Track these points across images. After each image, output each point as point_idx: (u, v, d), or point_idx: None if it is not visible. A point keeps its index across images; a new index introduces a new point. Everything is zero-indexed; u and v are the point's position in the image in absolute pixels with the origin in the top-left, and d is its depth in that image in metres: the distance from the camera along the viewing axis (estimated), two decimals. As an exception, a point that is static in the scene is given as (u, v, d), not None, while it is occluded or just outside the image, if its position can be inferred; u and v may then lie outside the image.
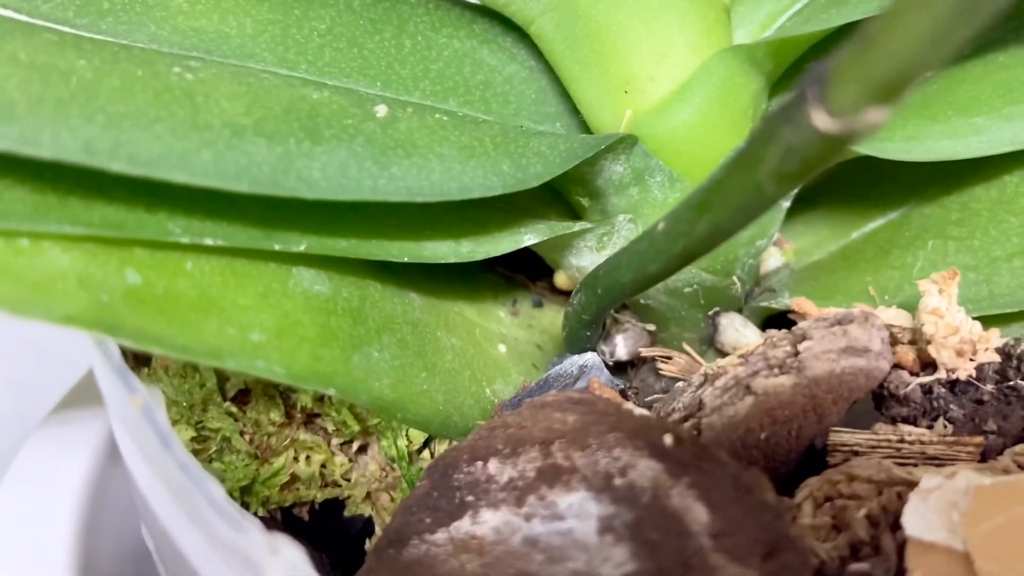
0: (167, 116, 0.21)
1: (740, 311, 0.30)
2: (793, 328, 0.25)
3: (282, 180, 0.21)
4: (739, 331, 0.30)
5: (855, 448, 0.25)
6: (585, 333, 0.28)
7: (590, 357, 0.27)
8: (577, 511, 0.21)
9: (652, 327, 0.30)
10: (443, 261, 0.26)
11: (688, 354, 0.30)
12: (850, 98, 0.16)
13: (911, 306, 0.29)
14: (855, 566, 0.22)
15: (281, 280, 0.24)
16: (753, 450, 0.24)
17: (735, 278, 0.29)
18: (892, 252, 0.30)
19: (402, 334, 0.26)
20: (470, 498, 0.23)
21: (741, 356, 0.25)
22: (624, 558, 0.20)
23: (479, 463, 0.23)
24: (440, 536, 0.22)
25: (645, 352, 0.29)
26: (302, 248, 0.24)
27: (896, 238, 0.30)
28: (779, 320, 0.30)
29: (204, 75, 0.23)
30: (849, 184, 0.32)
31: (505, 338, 0.31)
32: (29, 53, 0.22)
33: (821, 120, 0.16)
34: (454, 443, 0.28)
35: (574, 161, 0.26)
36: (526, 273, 0.34)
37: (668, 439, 0.21)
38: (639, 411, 0.23)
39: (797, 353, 0.24)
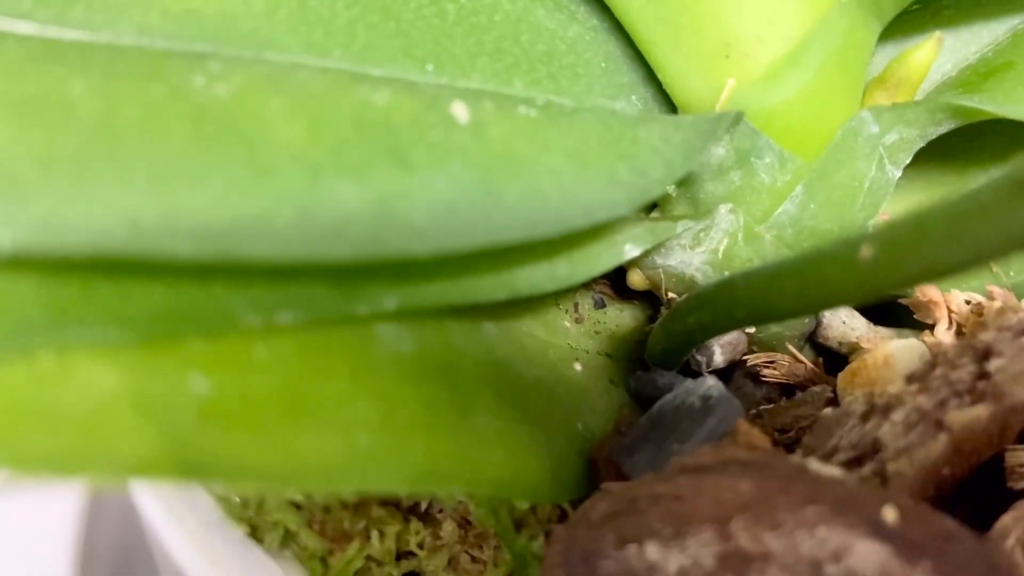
0: (220, 160, 0.15)
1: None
2: (971, 341, 0.21)
3: (386, 235, 0.16)
4: (845, 323, 0.26)
5: (1037, 469, 0.21)
6: (690, 351, 0.24)
7: (713, 385, 0.23)
8: (785, 610, 0.17)
9: (751, 329, 0.26)
10: (542, 291, 0.21)
11: (793, 355, 0.26)
12: None
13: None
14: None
15: (365, 347, 0.18)
16: (929, 488, 0.21)
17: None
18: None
19: (494, 383, 0.21)
20: (630, 594, 0.19)
21: (913, 380, 0.21)
22: None
23: (632, 547, 0.19)
24: (604, 648, 0.18)
25: (750, 360, 0.25)
26: (391, 306, 0.18)
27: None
28: (885, 306, 0.27)
29: (236, 85, 0.17)
30: (942, 138, 0.28)
31: (577, 354, 0.26)
32: (5, 81, 0.15)
33: None
34: (560, 506, 0.23)
35: (696, 156, 0.21)
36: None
37: (890, 513, 0.17)
38: (828, 471, 0.19)
39: (985, 374, 0.20)
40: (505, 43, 0.23)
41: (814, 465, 0.19)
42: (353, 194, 0.16)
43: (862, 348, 0.26)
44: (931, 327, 0.25)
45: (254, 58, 0.19)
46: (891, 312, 0.26)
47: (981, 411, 0.20)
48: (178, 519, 0.16)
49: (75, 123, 0.15)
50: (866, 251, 0.17)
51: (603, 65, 0.24)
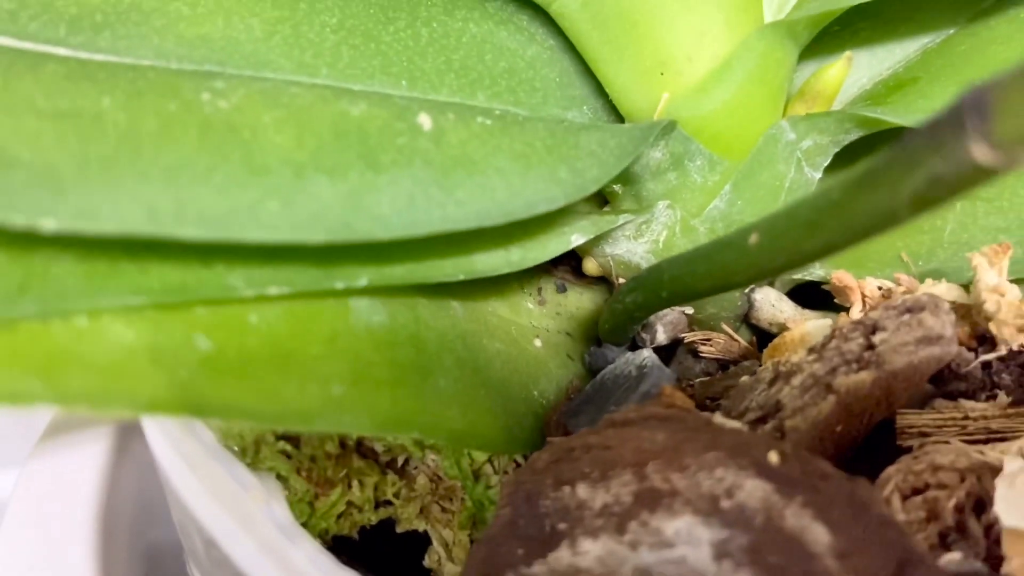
0: (222, 162, 0.19)
1: (772, 284, 0.30)
2: (862, 318, 0.25)
3: (355, 223, 0.20)
4: (775, 306, 0.30)
5: (923, 429, 0.25)
6: (634, 328, 0.28)
7: (648, 356, 0.26)
8: (686, 537, 0.21)
9: (690, 310, 0.29)
10: (496, 273, 0.25)
11: (727, 334, 0.30)
12: (1017, 132, 0.15)
13: (944, 272, 0.29)
14: (949, 556, 0.22)
15: (343, 317, 0.22)
16: (827, 443, 0.24)
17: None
18: (921, 216, 0.29)
19: (457, 351, 0.25)
20: (563, 526, 0.22)
21: (813, 351, 0.25)
22: (752, 587, 0.20)
23: (566, 488, 0.23)
24: (539, 569, 0.22)
25: (688, 338, 0.29)
26: (363, 283, 0.22)
27: (922, 201, 0.30)
28: (808, 290, 0.30)
29: (236, 100, 0.21)
30: (872, 146, 0.31)
31: (538, 331, 0.30)
32: (46, 97, 0.19)
33: (981, 153, 0.16)
34: (515, 459, 0.27)
35: (627, 159, 0.24)
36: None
37: (774, 456, 0.21)
38: (731, 424, 0.23)
39: (871, 346, 0.24)
40: (471, 61, 0.27)
41: (718, 419, 0.23)
42: (329, 188, 0.20)
43: (788, 328, 0.29)
44: (848, 310, 0.29)
45: (253, 76, 0.23)
46: (818, 297, 0.30)
47: (865, 376, 0.23)
48: (181, 451, 0.20)
49: (104, 132, 0.18)
50: (754, 238, 0.21)
51: (558, 80, 0.28)
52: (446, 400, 0.23)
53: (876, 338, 0.24)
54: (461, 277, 0.24)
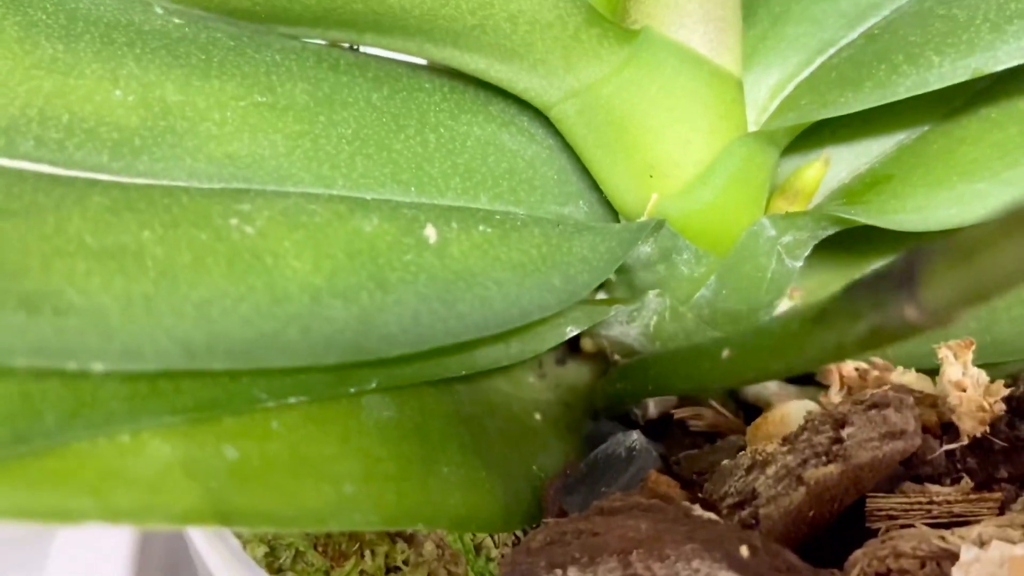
0: (247, 292, 0.21)
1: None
2: (832, 411, 0.27)
3: (364, 344, 0.22)
4: (759, 383, 0.32)
5: (890, 512, 0.27)
6: (626, 407, 0.30)
7: (636, 439, 0.28)
8: (664, 622, 0.23)
9: (680, 387, 0.31)
10: (497, 366, 0.27)
11: (715, 408, 0.32)
12: (941, 301, 0.17)
13: (918, 355, 0.31)
14: (907, 637, 0.24)
15: (355, 415, 0.24)
16: (800, 526, 0.27)
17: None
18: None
19: (460, 437, 0.27)
20: (554, 606, 0.25)
21: (785, 441, 0.27)
22: (721, 674, 0.22)
23: (558, 571, 0.25)
24: (532, 646, 0.24)
25: (677, 414, 0.31)
26: (373, 385, 0.24)
27: (898, 283, 0.32)
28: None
29: (261, 224, 0.23)
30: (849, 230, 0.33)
31: (539, 404, 0.32)
32: (94, 233, 0.21)
33: (912, 314, 0.18)
34: (515, 532, 0.29)
35: (617, 263, 0.27)
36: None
37: (744, 551, 0.23)
38: (707, 516, 0.25)
39: (840, 439, 0.26)
40: (475, 163, 0.29)
41: (696, 510, 0.25)
42: (342, 312, 0.22)
43: (772, 403, 0.32)
44: (827, 388, 0.31)
45: (276, 192, 0.25)
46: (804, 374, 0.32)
47: (833, 469, 0.25)
48: (212, 545, 0.22)
49: (145, 268, 0.21)
50: (727, 352, 0.23)
51: (556, 177, 0.30)
52: (449, 487, 0.26)
53: (844, 432, 0.26)
54: (464, 372, 0.26)
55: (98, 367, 0.19)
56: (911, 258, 0.17)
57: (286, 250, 0.23)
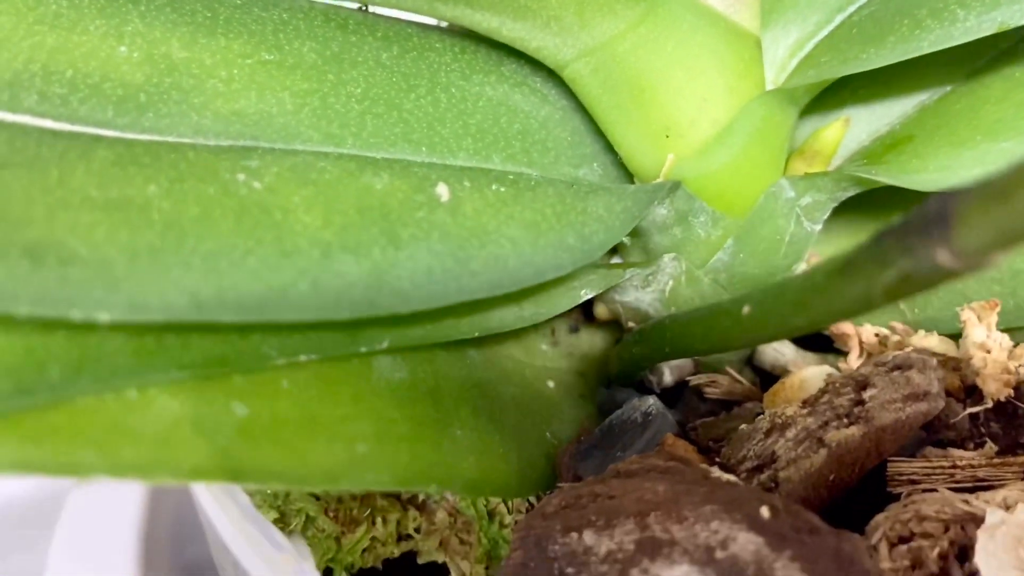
0: (256, 245, 0.21)
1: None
2: (853, 373, 0.26)
3: (377, 299, 0.21)
4: (776, 350, 0.31)
5: (912, 476, 0.26)
6: (642, 371, 0.29)
7: (652, 404, 0.28)
8: (683, 584, 0.23)
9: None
10: (510, 328, 0.26)
11: (731, 376, 0.31)
12: (976, 243, 0.17)
13: (939, 320, 0.30)
14: (932, 602, 0.24)
15: (366, 376, 0.24)
16: (820, 490, 0.26)
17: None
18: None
19: (473, 401, 0.27)
20: (570, 570, 0.24)
21: (805, 404, 0.26)
22: (741, 635, 0.21)
23: (574, 534, 0.24)
24: (548, 611, 0.24)
25: (693, 381, 0.31)
26: (384, 346, 0.24)
27: (918, 248, 0.31)
28: (819, 336, 0.32)
29: (269, 180, 0.23)
30: (870, 193, 0.33)
31: (551, 372, 0.32)
32: (98, 187, 0.21)
33: (945, 258, 0.17)
34: (528, 499, 0.29)
35: (632, 223, 0.26)
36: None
37: (765, 511, 0.23)
38: (727, 478, 0.24)
39: (861, 401, 0.25)
40: (487, 124, 0.28)
41: (715, 472, 0.24)
42: (354, 266, 0.22)
43: (790, 371, 0.31)
44: (846, 355, 0.30)
45: (284, 150, 0.25)
46: (820, 340, 0.31)
47: (854, 431, 0.25)
48: (222, 505, 0.22)
49: (151, 220, 0.20)
50: (747, 309, 0.22)
51: (569, 139, 0.30)
52: (462, 451, 0.25)
53: (866, 394, 0.25)
54: (477, 334, 0.26)
55: (104, 317, 0.18)
56: (944, 199, 0.17)
57: (295, 205, 0.22)
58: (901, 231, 0.18)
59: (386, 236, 0.23)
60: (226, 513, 0.22)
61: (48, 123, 0.23)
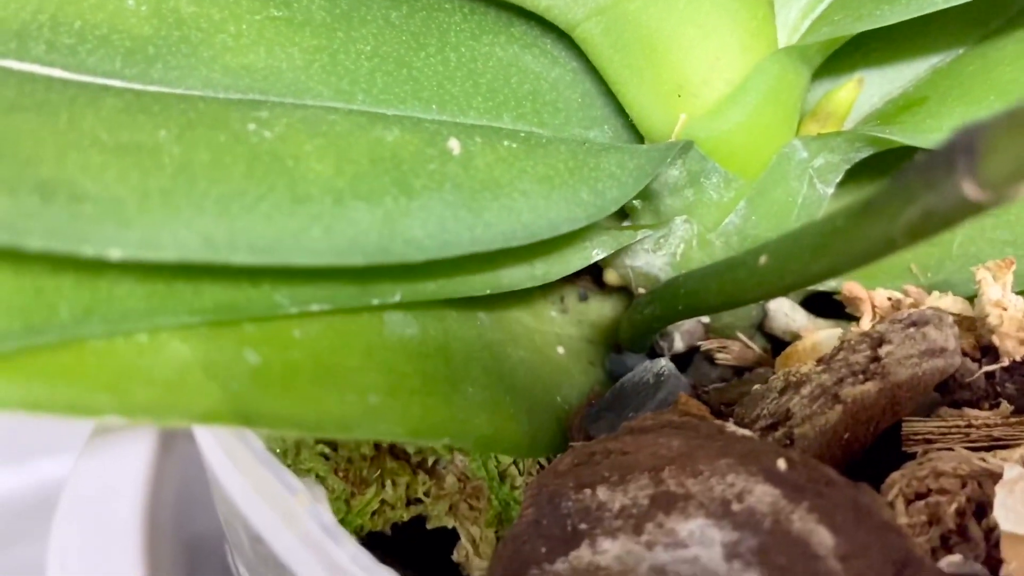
0: (268, 191, 0.21)
1: (786, 295, 0.31)
2: (869, 331, 0.26)
3: (390, 246, 0.21)
4: (788, 315, 0.31)
5: (927, 436, 0.26)
6: (652, 336, 0.29)
7: (665, 365, 0.28)
8: (699, 538, 0.22)
9: (707, 319, 0.31)
10: (521, 287, 0.26)
11: (742, 342, 0.31)
12: (1004, 173, 0.16)
13: (953, 284, 0.30)
14: (950, 558, 0.23)
15: (377, 330, 0.24)
16: (835, 449, 0.26)
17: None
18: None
19: (484, 361, 0.27)
20: (583, 526, 0.24)
21: (820, 361, 0.26)
22: (759, 586, 0.21)
23: (587, 490, 0.24)
24: (561, 567, 0.23)
25: (704, 346, 0.30)
26: (397, 299, 0.23)
27: (931, 213, 0.31)
28: (821, 299, 0.32)
29: (280, 129, 0.23)
30: (883, 161, 0.32)
31: (561, 339, 0.31)
32: (108, 131, 0.21)
33: (971, 190, 0.17)
34: (539, 461, 0.28)
35: (646, 180, 0.26)
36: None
37: (782, 463, 0.22)
38: (742, 432, 0.24)
39: (877, 358, 0.25)
40: (497, 84, 0.28)
41: (730, 427, 0.24)
42: (366, 214, 0.21)
43: (801, 336, 0.31)
44: (858, 319, 0.30)
45: (294, 104, 0.25)
46: (831, 306, 0.31)
47: (870, 387, 0.25)
48: (231, 455, 0.22)
49: (162, 164, 0.20)
50: (764, 259, 0.22)
51: (580, 100, 0.29)
52: (474, 408, 0.25)
53: (882, 350, 0.25)
54: (488, 291, 0.26)
55: (115, 253, 0.18)
56: (970, 130, 0.17)
57: (307, 153, 0.22)
58: (925, 165, 0.18)
59: (398, 186, 0.22)
60: (237, 467, 0.22)
61: (56, 72, 0.23)
